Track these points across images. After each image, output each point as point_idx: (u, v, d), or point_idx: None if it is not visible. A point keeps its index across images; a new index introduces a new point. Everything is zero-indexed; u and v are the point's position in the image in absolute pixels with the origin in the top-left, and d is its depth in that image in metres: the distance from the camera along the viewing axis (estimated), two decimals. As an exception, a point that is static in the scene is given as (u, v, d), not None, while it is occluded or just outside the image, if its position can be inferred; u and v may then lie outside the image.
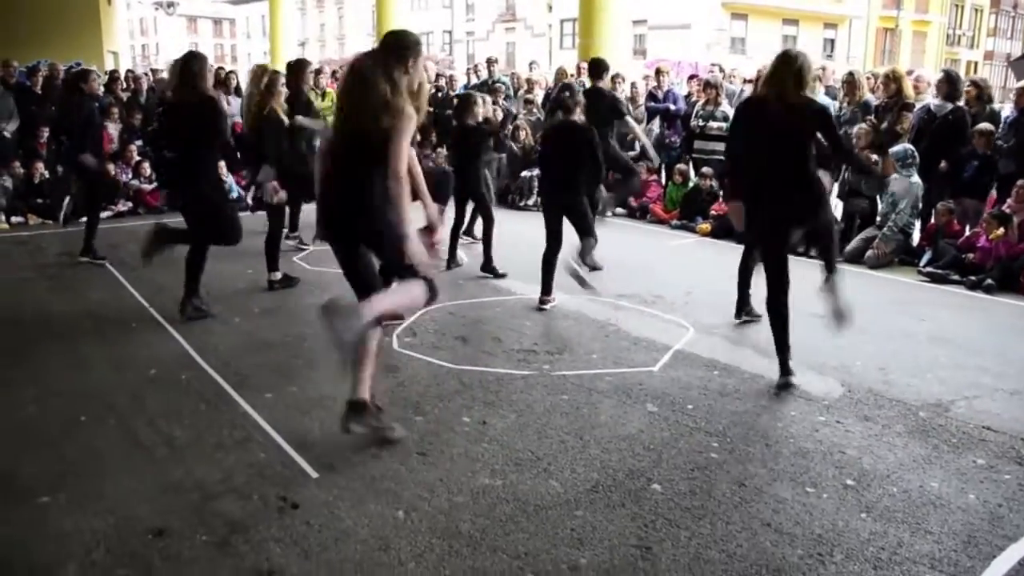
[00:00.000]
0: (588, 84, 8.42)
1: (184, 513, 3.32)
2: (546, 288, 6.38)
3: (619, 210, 10.55)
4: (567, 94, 6.26)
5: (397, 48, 3.78)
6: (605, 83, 8.06)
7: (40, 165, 10.57)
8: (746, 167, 4.74)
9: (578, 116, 6.23)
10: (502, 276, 7.28)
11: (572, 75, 12.33)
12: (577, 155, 6.12)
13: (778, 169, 4.59)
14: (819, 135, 4.62)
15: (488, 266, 7.38)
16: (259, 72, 6.88)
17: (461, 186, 7.66)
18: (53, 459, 3.79)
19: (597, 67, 8.30)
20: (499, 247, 7.50)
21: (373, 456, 3.81)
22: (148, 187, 11.04)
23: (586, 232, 6.20)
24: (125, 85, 12.76)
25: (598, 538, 3.17)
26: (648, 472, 3.71)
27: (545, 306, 6.33)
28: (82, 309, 6.32)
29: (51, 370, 4.97)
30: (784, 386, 4.72)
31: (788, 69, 4.53)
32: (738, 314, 6.02)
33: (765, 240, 4.81)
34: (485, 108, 7.88)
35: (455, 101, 7.62)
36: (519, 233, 8.43)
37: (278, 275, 6.88)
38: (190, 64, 5.78)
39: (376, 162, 3.69)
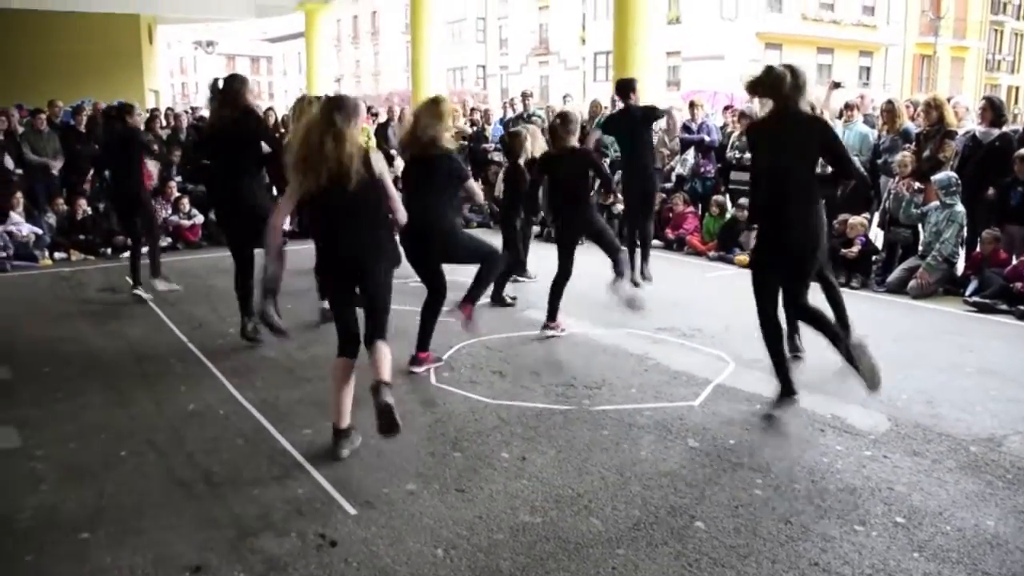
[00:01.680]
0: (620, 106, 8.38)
1: (222, 550, 3.31)
2: (551, 314, 6.40)
3: (656, 242, 10.48)
4: (559, 122, 6.28)
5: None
6: (635, 100, 8.01)
7: (83, 202, 10.81)
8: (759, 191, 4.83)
9: (573, 142, 6.28)
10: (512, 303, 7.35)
11: (606, 107, 12.38)
12: (579, 179, 6.20)
13: (787, 189, 4.58)
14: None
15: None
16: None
17: (510, 222, 7.71)
18: (94, 494, 3.80)
19: (624, 87, 8.20)
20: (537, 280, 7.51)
21: (411, 493, 3.78)
22: (187, 223, 11.20)
23: (613, 249, 6.21)
24: (165, 123, 13.02)
25: (641, 578, 3.10)
26: (691, 509, 3.63)
27: (548, 332, 6.36)
28: (123, 345, 6.39)
29: (92, 405, 5.01)
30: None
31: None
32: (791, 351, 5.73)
33: (784, 271, 4.71)
34: (535, 142, 7.89)
35: (506, 138, 7.71)
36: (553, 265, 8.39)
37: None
38: (231, 83, 5.88)
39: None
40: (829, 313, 5.13)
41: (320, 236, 4.19)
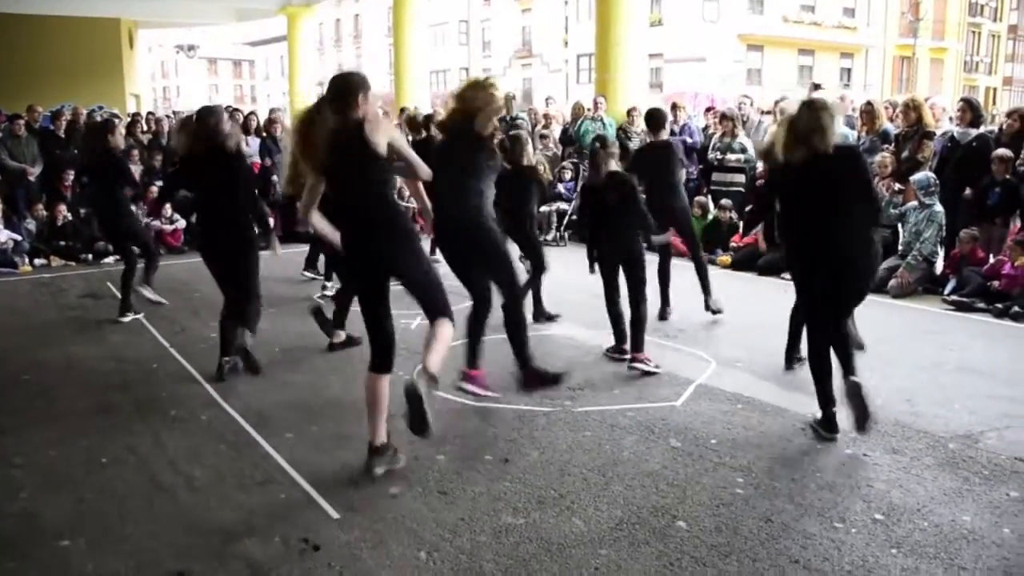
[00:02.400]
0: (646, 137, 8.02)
1: (204, 555, 3.30)
2: (619, 336, 5.85)
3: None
4: (598, 145, 5.88)
5: (341, 93, 3.87)
6: (665, 134, 7.26)
7: (63, 207, 10.74)
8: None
9: (614, 166, 5.80)
10: (555, 319, 6.94)
11: (588, 109, 12.43)
12: (623, 207, 5.66)
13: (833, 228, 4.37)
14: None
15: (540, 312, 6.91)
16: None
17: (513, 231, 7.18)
18: (74, 501, 3.79)
19: (654, 119, 7.27)
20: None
21: (394, 496, 3.78)
22: (169, 228, 11.15)
23: (638, 282, 5.69)
24: (146, 127, 12.95)
25: (623, 577, 3.11)
26: (673, 509, 3.65)
27: (625, 357, 5.74)
28: (104, 350, 6.35)
29: (73, 412, 4.99)
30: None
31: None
32: (789, 363, 5.62)
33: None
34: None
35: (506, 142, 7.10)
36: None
37: (342, 335, 6.28)
38: (205, 120, 5.50)
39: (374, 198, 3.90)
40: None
41: (338, 227, 4.02)
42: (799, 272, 4.66)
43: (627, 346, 5.72)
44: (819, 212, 4.35)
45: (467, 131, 4.73)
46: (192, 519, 3.61)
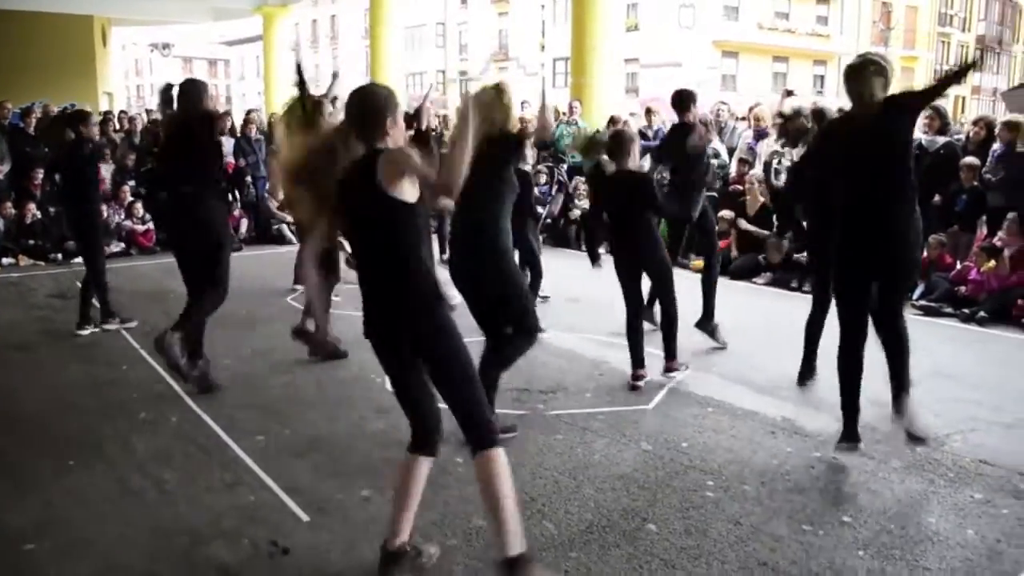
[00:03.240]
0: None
1: (173, 559, 3.27)
2: (637, 360, 5.45)
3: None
4: (615, 142, 5.50)
5: (364, 115, 3.01)
6: (691, 115, 6.52)
7: (32, 206, 10.59)
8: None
9: (631, 164, 5.43)
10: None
11: (564, 113, 12.46)
12: (636, 207, 5.36)
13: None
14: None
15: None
16: None
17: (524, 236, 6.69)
18: (40, 505, 3.74)
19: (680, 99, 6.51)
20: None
21: (365, 500, 3.77)
22: (141, 228, 11.05)
23: (665, 291, 5.45)
24: (118, 126, 12.83)
25: (593, 580, 3.12)
26: (643, 512, 3.67)
27: (639, 382, 5.39)
28: (72, 352, 6.28)
29: (39, 414, 4.93)
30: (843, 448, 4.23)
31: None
32: (803, 380, 5.40)
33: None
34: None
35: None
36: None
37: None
38: (187, 92, 5.24)
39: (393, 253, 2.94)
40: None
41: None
42: (843, 266, 4.18)
43: (643, 371, 5.42)
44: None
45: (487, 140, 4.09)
46: (160, 522, 3.58)
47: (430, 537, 3.39)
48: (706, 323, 6.38)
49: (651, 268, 5.45)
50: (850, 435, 4.19)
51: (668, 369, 5.50)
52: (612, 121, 12.05)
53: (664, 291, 5.47)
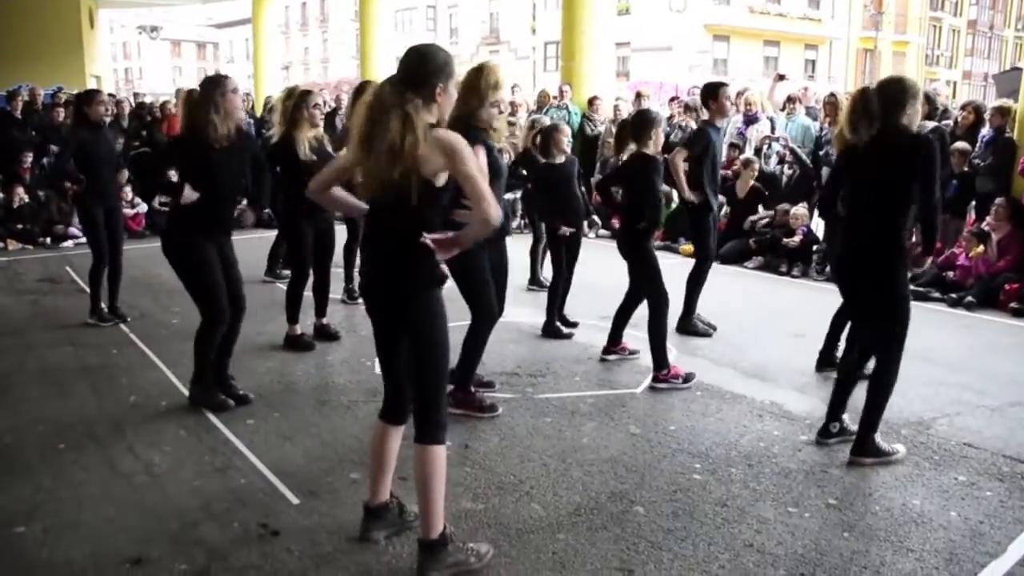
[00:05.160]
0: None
1: (162, 541, 3.28)
2: (612, 335, 5.60)
3: (603, 232, 10.55)
4: (638, 123, 5.37)
5: (416, 74, 2.84)
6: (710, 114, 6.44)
7: (20, 190, 10.52)
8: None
9: (650, 148, 5.28)
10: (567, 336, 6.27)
11: (554, 97, 12.43)
12: (635, 191, 5.34)
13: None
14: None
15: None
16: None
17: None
18: (30, 488, 3.74)
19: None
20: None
21: (355, 482, 3.78)
22: (130, 212, 10.98)
23: (651, 291, 5.25)
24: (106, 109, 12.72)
25: (580, 562, 3.15)
26: (631, 494, 3.70)
27: (610, 357, 5.59)
28: (62, 336, 6.27)
29: (29, 398, 4.92)
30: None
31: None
32: (821, 367, 5.38)
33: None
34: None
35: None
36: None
37: (297, 330, 5.99)
38: (196, 103, 4.47)
39: (403, 224, 2.88)
40: None
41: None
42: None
43: (621, 346, 5.58)
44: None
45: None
46: (150, 505, 3.58)
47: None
48: (687, 321, 6.32)
49: (633, 259, 5.35)
50: (823, 431, 4.28)
51: (656, 380, 5.18)
52: (592, 101, 12.10)
53: (651, 287, 5.27)
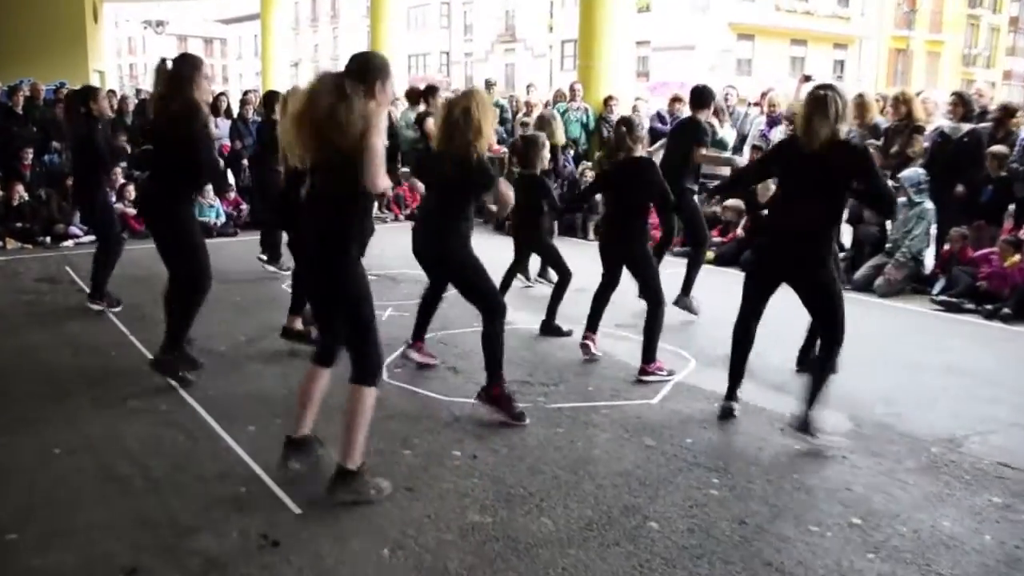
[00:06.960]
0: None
1: (158, 550, 3.18)
2: (590, 323, 5.68)
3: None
4: (624, 130, 5.47)
5: (358, 70, 3.42)
6: (705, 115, 7.04)
7: (20, 187, 10.35)
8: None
9: (640, 152, 5.50)
10: (567, 334, 6.24)
11: (565, 96, 12.29)
12: (638, 196, 5.43)
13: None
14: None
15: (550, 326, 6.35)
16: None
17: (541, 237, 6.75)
18: (23, 492, 3.64)
19: (698, 97, 7.05)
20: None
21: (358, 492, 3.65)
22: (132, 211, 10.84)
23: (651, 293, 5.36)
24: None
25: (591, 579, 3.02)
26: (644, 509, 3.56)
27: (588, 343, 5.64)
28: (60, 337, 6.15)
29: (25, 400, 4.81)
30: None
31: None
32: (801, 365, 5.36)
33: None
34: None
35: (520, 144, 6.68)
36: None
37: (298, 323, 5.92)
38: (180, 68, 4.84)
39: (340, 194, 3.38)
40: None
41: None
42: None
43: (594, 335, 5.67)
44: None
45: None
46: (147, 512, 3.48)
47: (422, 530, 3.28)
48: (683, 298, 6.78)
49: (631, 261, 5.43)
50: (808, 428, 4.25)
51: (643, 372, 5.27)
52: (607, 100, 11.92)
53: (647, 287, 5.38)
